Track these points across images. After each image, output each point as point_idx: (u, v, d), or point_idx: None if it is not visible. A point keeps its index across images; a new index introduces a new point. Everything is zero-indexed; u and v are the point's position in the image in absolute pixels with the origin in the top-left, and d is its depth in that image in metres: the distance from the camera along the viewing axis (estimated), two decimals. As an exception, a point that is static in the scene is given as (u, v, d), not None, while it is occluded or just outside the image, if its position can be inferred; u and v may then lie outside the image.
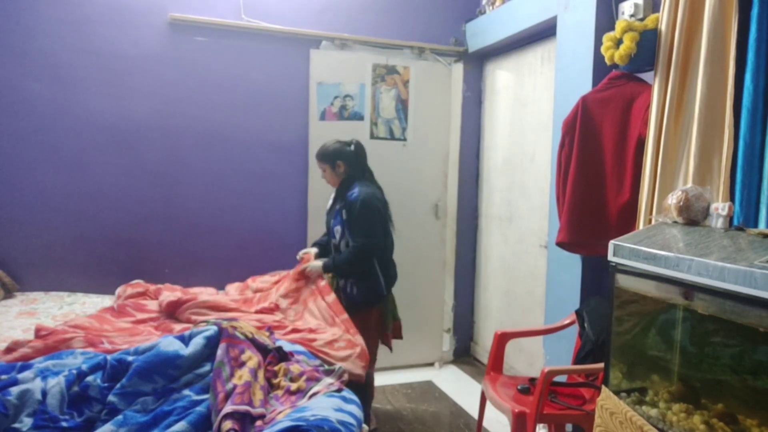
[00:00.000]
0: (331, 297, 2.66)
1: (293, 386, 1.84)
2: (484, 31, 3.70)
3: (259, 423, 1.63)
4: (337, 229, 2.79)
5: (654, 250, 1.56)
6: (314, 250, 2.92)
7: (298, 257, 2.92)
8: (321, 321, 2.57)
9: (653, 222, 1.96)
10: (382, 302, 2.83)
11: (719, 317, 1.47)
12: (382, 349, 2.93)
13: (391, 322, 2.92)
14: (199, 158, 3.41)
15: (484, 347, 4.00)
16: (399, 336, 2.99)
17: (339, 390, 1.85)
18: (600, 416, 1.79)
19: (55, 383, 1.72)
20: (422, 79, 3.82)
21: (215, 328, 1.95)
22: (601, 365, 1.95)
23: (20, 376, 1.75)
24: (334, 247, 2.85)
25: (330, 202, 2.95)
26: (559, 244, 2.62)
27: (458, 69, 3.91)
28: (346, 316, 2.58)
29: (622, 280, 1.73)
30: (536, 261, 3.37)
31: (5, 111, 3.06)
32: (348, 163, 2.83)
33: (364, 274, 2.76)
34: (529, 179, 3.46)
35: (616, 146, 2.43)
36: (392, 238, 2.89)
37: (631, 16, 2.42)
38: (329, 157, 2.83)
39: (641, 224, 2.25)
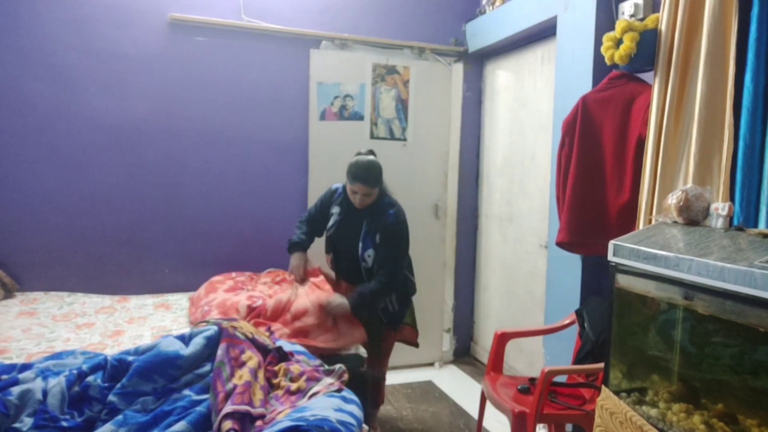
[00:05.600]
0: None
1: (293, 386, 1.84)
2: (484, 31, 3.70)
3: (259, 423, 1.63)
4: (369, 253, 2.60)
5: (654, 250, 1.56)
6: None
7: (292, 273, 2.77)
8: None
9: (653, 222, 1.96)
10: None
11: (719, 317, 1.47)
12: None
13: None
14: (199, 158, 3.41)
15: (484, 347, 4.00)
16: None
17: (339, 390, 1.85)
18: (600, 416, 1.79)
19: (56, 383, 1.72)
20: (422, 79, 3.82)
21: (215, 328, 1.95)
22: (601, 365, 1.95)
23: (21, 376, 1.76)
24: (365, 272, 2.65)
25: (337, 216, 2.68)
26: (559, 244, 2.62)
27: (458, 69, 3.91)
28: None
29: (622, 280, 1.73)
30: (536, 261, 3.37)
31: (5, 111, 3.06)
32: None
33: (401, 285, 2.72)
34: (529, 179, 3.46)
35: (616, 146, 2.44)
36: None
37: (631, 16, 2.42)
38: (380, 178, 2.55)
39: (641, 224, 2.25)
